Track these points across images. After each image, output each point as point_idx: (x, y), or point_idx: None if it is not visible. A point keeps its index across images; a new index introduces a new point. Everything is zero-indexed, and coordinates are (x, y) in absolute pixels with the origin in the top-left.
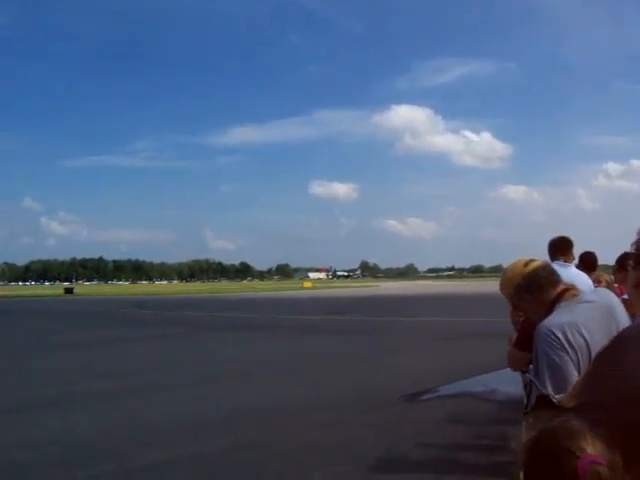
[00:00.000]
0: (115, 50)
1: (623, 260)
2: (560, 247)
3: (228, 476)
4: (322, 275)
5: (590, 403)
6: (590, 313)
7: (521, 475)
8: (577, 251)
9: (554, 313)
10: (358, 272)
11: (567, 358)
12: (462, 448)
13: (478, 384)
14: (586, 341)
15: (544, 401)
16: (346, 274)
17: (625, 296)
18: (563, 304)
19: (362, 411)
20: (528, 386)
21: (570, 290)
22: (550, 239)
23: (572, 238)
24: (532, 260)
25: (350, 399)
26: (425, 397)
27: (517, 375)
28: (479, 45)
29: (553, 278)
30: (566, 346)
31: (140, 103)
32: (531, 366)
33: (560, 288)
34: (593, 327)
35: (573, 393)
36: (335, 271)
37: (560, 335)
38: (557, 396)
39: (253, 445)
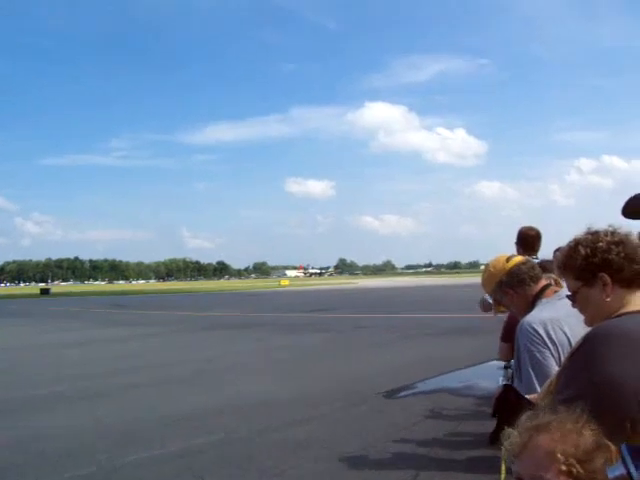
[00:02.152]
0: (89, 48)
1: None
2: (525, 241)
3: (212, 471)
4: (300, 273)
5: (565, 401)
6: (571, 309)
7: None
8: (553, 246)
9: (535, 309)
10: (331, 270)
11: (548, 354)
12: (440, 443)
13: (455, 379)
14: (567, 337)
15: (510, 399)
16: (319, 272)
17: None
18: (544, 300)
19: (341, 407)
20: (510, 380)
21: (551, 286)
22: (519, 229)
23: (547, 233)
24: (513, 255)
25: (329, 395)
26: (403, 393)
27: (494, 370)
28: (454, 41)
29: (534, 273)
30: (548, 342)
31: (114, 101)
32: (512, 361)
33: (541, 284)
34: (574, 323)
35: (547, 393)
36: (308, 268)
37: (542, 331)
38: (528, 396)
39: (236, 441)
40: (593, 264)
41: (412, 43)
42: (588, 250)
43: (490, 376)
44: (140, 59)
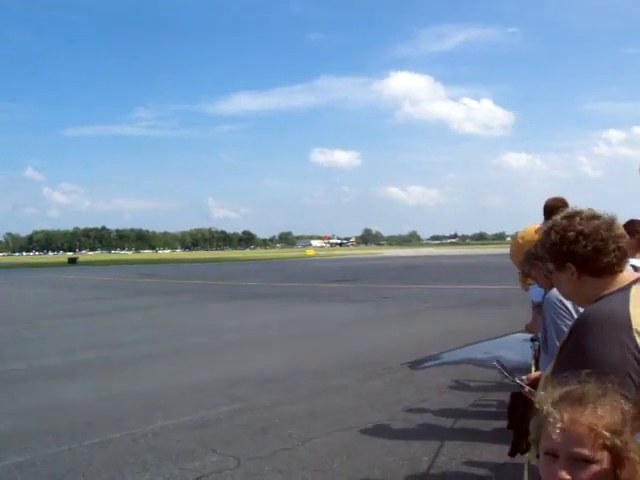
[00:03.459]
0: (115, 18)
1: (628, 226)
2: (553, 213)
3: (234, 440)
4: (323, 243)
5: None
6: None
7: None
8: None
9: None
10: (352, 240)
11: None
12: (464, 414)
13: (480, 351)
14: None
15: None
16: (340, 242)
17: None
18: None
19: (365, 377)
20: (536, 353)
21: None
22: (546, 201)
23: (576, 205)
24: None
25: (353, 365)
26: (428, 364)
27: (520, 342)
28: (481, 9)
29: None
30: (574, 315)
31: (140, 71)
32: (539, 333)
33: None
34: None
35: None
36: (333, 239)
37: (569, 304)
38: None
39: (257, 410)
40: (561, 252)
41: (439, 12)
42: (557, 238)
43: (516, 348)
44: (165, 29)
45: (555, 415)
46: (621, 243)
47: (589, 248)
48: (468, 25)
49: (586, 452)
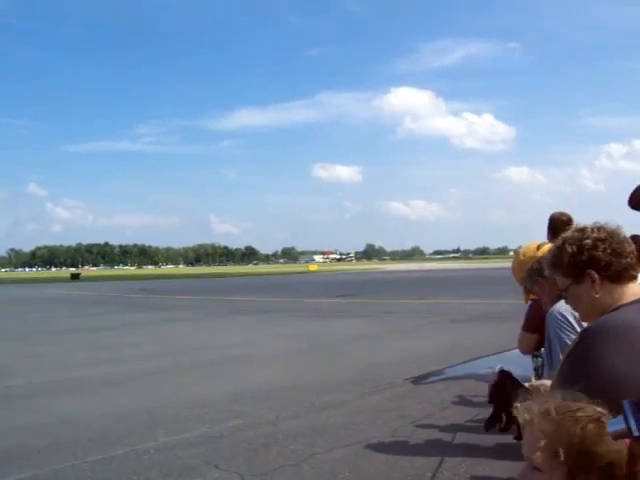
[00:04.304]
0: (117, 34)
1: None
2: (557, 228)
3: (237, 456)
4: (324, 258)
5: None
6: None
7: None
8: None
9: None
10: (351, 255)
11: None
12: (467, 430)
13: (484, 366)
14: None
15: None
16: (339, 257)
17: None
18: None
19: (367, 393)
20: (539, 369)
21: None
22: (551, 214)
23: (577, 219)
24: (544, 243)
25: (355, 380)
26: (430, 379)
27: (523, 357)
28: (481, 25)
29: None
30: (578, 330)
31: (142, 88)
32: (543, 349)
33: None
34: None
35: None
36: (335, 254)
37: (571, 319)
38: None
39: (259, 426)
40: (580, 261)
41: (439, 27)
42: (574, 248)
43: (518, 363)
44: (165, 45)
45: (524, 416)
46: (633, 246)
47: (609, 251)
48: (468, 40)
49: (534, 458)
